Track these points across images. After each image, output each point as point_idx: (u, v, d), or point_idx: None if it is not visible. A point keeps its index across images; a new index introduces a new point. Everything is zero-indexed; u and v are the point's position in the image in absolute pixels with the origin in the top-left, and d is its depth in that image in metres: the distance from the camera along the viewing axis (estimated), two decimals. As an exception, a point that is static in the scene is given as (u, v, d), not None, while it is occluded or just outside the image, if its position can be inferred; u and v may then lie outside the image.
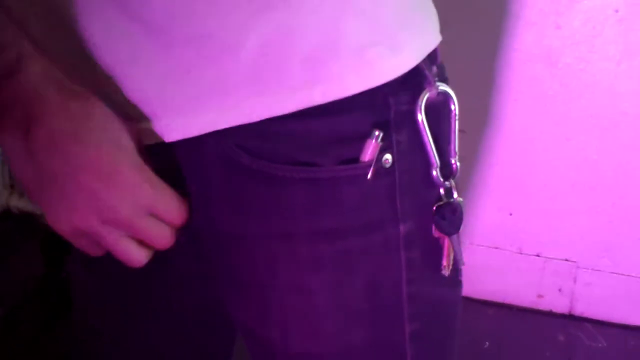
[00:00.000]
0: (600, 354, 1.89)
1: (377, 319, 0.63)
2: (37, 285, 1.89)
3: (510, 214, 1.94)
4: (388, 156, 0.59)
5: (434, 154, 0.61)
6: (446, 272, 0.64)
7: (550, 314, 2.00)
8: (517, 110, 1.83)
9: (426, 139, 0.60)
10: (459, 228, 0.62)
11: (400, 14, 0.59)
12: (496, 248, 1.98)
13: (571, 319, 1.98)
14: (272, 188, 0.58)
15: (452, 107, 0.62)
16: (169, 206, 0.58)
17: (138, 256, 0.58)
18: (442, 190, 0.62)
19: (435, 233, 0.62)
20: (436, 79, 0.60)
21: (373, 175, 0.58)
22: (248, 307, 0.65)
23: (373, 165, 0.58)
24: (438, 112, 0.61)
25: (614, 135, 1.81)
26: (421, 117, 0.59)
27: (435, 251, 0.63)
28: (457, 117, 0.62)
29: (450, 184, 0.62)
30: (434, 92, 0.60)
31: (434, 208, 0.62)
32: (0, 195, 2.05)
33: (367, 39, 0.56)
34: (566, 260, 1.95)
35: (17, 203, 2.07)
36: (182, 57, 0.55)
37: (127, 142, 0.56)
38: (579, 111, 1.80)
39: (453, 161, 0.63)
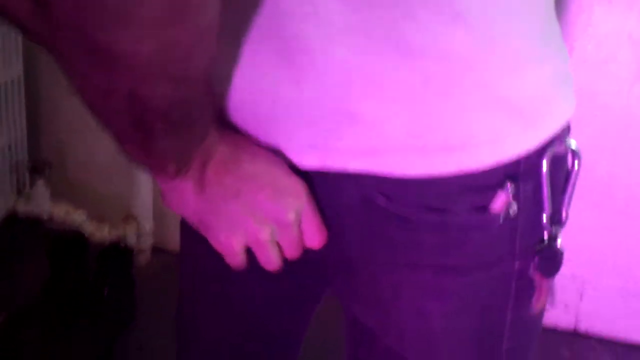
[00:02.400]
0: (605, 372, 1.89)
1: (483, 340, 0.70)
2: (42, 290, 1.89)
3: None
4: (514, 206, 0.64)
5: (549, 202, 0.66)
6: (535, 310, 0.70)
7: (554, 331, 1.99)
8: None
9: (546, 189, 0.65)
10: (555, 272, 0.68)
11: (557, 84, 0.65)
12: (502, 262, 1.98)
13: (576, 336, 1.98)
14: (403, 228, 0.64)
15: (576, 162, 0.68)
16: (315, 220, 0.66)
17: (277, 260, 0.66)
18: (546, 234, 0.67)
19: (533, 273, 0.68)
20: (566, 137, 0.67)
21: (501, 222, 0.64)
22: (373, 317, 0.72)
23: (502, 215, 0.63)
24: (559, 162, 0.67)
25: (624, 155, 1.81)
26: (545, 169, 0.65)
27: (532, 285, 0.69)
28: (578, 173, 0.68)
29: (556, 230, 0.67)
30: (562, 148, 0.66)
31: (538, 250, 0.67)
32: (8, 199, 2.06)
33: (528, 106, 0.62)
34: (573, 276, 1.94)
35: (24, 208, 2.08)
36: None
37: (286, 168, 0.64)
38: (591, 132, 1.80)
39: (563, 211, 0.67)
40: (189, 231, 0.74)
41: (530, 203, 0.65)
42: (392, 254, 0.66)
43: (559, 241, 0.67)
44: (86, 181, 2.15)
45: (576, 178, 0.68)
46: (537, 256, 0.67)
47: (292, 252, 0.66)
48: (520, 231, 0.65)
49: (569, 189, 0.68)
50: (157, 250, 2.11)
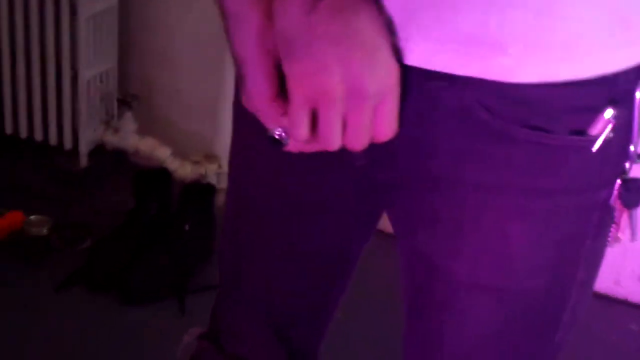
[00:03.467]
0: (673, 348, 1.88)
1: (559, 267, 0.72)
2: (126, 221, 1.95)
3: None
4: (610, 132, 0.65)
5: (638, 132, 0.67)
6: (611, 243, 0.72)
7: (625, 303, 1.98)
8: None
9: (637, 116, 0.66)
10: (638, 204, 0.69)
11: None
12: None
13: (647, 309, 1.97)
14: (500, 144, 0.65)
15: None
16: (392, 113, 0.61)
17: (337, 139, 0.61)
18: (628, 165, 0.68)
19: (614, 203, 0.69)
20: None
21: (596, 146, 0.65)
22: (441, 242, 0.73)
23: (601, 139, 0.64)
24: None
25: None
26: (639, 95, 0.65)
27: (611, 216, 0.71)
28: None
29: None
30: None
31: (621, 180, 0.69)
32: (97, 130, 2.11)
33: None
34: (649, 249, 1.93)
35: (112, 139, 2.13)
36: None
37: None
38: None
39: None
40: (245, 122, 0.73)
41: (623, 131, 0.66)
42: (483, 173, 0.67)
43: None
44: (171, 117, 2.19)
45: None
46: (621, 186, 0.68)
47: (355, 137, 0.60)
48: (610, 159, 0.67)
49: None
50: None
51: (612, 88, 0.64)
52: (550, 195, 0.68)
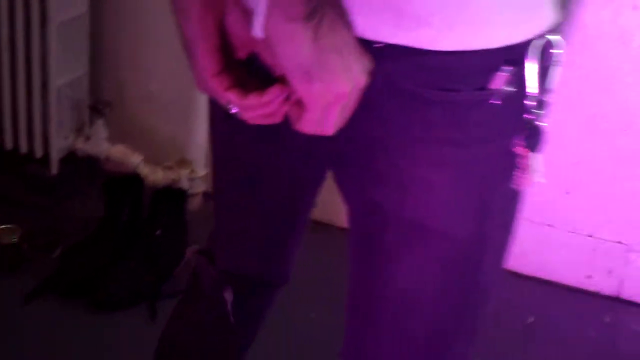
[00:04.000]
0: (645, 339, 1.89)
1: (479, 210, 0.83)
2: (97, 228, 1.94)
3: (567, 193, 1.94)
4: (509, 87, 0.76)
5: (537, 87, 0.78)
6: (520, 185, 0.81)
7: (597, 295, 2.00)
8: (583, 87, 1.82)
9: (535, 75, 0.77)
10: (539, 147, 0.80)
11: None
12: (549, 225, 1.98)
13: (618, 302, 1.99)
14: (422, 106, 0.77)
15: (556, 50, 0.79)
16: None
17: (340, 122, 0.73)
18: (533, 116, 0.79)
19: (519, 150, 0.80)
20: (553, 35, 0.78)
21: (495, 99, 0.76)
22: (386, 193, 0.84)
23: (499, 92, 0.76)
24: (546, 54, 0.78)
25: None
26: (537, 55, 0.77)
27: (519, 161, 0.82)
28: (559, 59, 0.79)
29: (541, 111, 0.79)
30: (549, 42, 0.78)
31: (527, 127, 0.79)
32: (68, 138, 2.11)
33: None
34: (619, 242, 1.94)
35: (83, 146, 2.13)
36: None
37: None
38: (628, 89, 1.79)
39: (548, 95, 0.80)
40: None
41: (522, 87, 0.77)
42: (410, 131, 0.79)
43: (543, 122, 0.79)
44: (144, 124, 2.19)
45: (558, 67, 0.80)
46: (526, 133, 0.79)
47: (334, 124, 0.73)
48: (513, 111, 0.78)
49: (553, 72, 0.80)
50: (209, 195, 2.15)
51: (509, 52, 0.76)
52: (462, 146, 0.79)
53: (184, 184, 2.12)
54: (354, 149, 0.84)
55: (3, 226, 1.92)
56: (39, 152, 2.07)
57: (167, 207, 1.96)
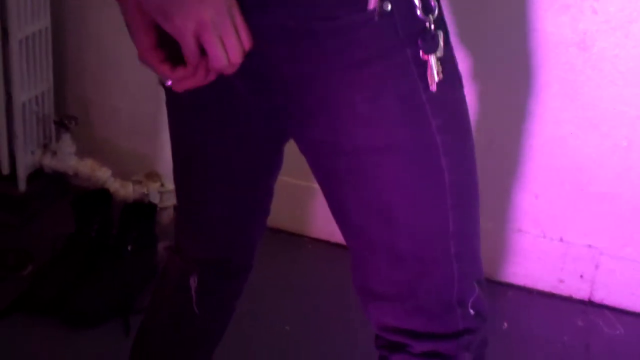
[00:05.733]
0: (618, 342, 1.90)
1: (410, 119, 0.89)
2: (66, 245, 1.92)
3: (536, 197, 1.95)
4: (387, 3, 0.83)
5: None
6: (433, 87, 0.87)
7: (570, 299, 2.01)
8: (548, 93, 1.84)
9: None
10: (436, 49, 0.86)
11: None
12: (519, 231, 1.99)
13: (591, 305, 2.00)
14: (311, 40, 0.85)
15: None
16: (246, 27, 0.83)
17: (223, 55, 0.81)
18: (427, 24, 0.86)
19: (423, 55, 0.86)
20: None
21: (378, 17, 0.83)
22: (327, 126, 0.91)
23: (377, 10, 0.83)
24: None
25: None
26: None
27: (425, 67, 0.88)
28: None
29: (430, 18, 0.86)
30: None
31: (420, 35, 0.86)
32: (34, 154, 2.08)
33: None
34: (589, 246, 1.95)
35: (51, 162, 2.10)
36: None
37: None
38: (611, 97, 1.80)
39: (432, 1, 0.86)
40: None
41: (401, 1, 0.84)
42: (319, 65, 0.86)
43: (432, 26, 0.86)
44: (111, 138, 2.18)
45: None
46: (420, 39, 0.86)
47: (234, 50, 0.81)
48: (399, 24, 0.85)
49: None
50: (179, 208, 2.14)
51: None
52: (366, 64, 0.86)
53: (154, 198, 2.10)
54: (280, 95, 0.92)
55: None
56: (5, 170, 2.05)
57: (137, 221, 1.94)
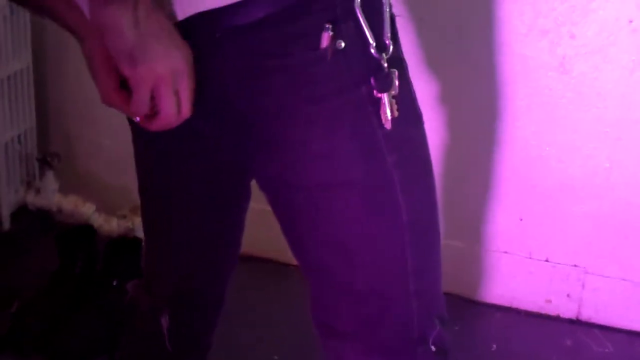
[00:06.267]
0: (608, 360, 1.91)
1: (365, 156, 0.88)
2: (51, 281, 1.91)
3: (521, 219, 1.96)
4: (340, 41, 0.84)
5: (370, 36, 0.85)
6: (387, 125, 0.87)
7: (558, 319, 2.01)
8: (529, 117, 1.85)
9: (363, 26, 0.84)
10: (389, 87, 0.86)
11: None
12: (505, 253, 2.00)
13: (579, 324, 2.00)
14: (265, 76, 0.85)
15: (386, 2, 0.87)
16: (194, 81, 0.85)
17: (174, 110, 0.84)
18: (381, 62, 0.85)
19: (377, 94, 0.86)
20: None
21: (332, 55, 0.84)
22: (282, 163, 0.90)
23: (330, 48, 0.83)
24: (372, 4, 0.86)
25: (625, 143, 1.83)
26: (359, 11, 0.84)
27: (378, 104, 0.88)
28: (387, 6, 0.87)
29: (383, 56, 0.85)
30: None
31: (373, 73, 0.86)
32: (18, 191, 2.08)
33: None
34: (575, 266, 1.96)
35: (34, 199, 2.10)
36: None
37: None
38: (592, 120, 1.82)
39: (387, 40, 0.86)
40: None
41: (355, 38, 0.84)
42: (268, 102, 0.87)
43: (385, 65, 0.86)
44: (95, 173, 2.17)
45: (386, 10, 0.87)
46: (373, 78, 0.85)
47: (187, 103, 0.84)
48: (353, 62, 0.85)
49: (384, 22, 0.86)
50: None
51: (329, 11, 0.83)
52: (323, 100, 0.86)
53: (139, 233, 2.09)
54: (238, 131, 0.92)
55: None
56: (-11, 209, 2.04)
57: (122, 256, 1.93)
